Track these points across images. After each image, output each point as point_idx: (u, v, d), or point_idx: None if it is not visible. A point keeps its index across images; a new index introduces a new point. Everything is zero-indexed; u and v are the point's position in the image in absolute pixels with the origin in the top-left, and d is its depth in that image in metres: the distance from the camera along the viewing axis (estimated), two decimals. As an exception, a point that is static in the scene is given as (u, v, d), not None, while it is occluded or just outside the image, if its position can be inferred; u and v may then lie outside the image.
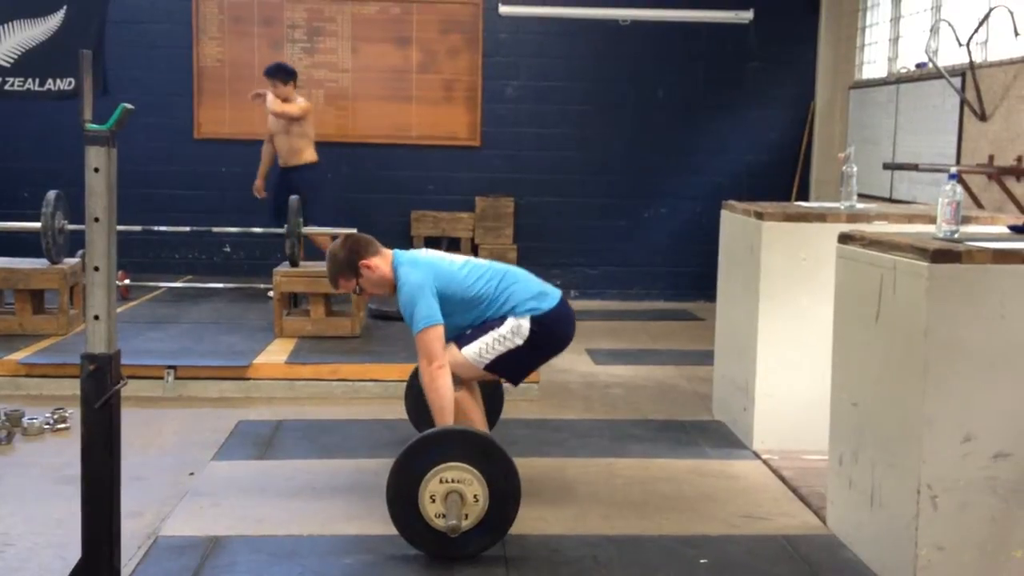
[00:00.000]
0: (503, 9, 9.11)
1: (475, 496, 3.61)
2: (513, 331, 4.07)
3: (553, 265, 9.35)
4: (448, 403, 3.93)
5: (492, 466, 3.63)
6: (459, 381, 4.07)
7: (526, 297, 4.13)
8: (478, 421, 4.14)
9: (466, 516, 3.60)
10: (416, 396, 4.56)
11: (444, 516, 3.58)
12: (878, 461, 3.56)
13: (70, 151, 7.48)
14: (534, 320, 4.08)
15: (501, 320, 4.10)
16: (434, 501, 3.60)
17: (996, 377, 3.27)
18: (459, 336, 4.11)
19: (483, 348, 4.07)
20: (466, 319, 4.11)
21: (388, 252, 4.22)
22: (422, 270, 4.09)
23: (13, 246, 7.60)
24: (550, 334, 4.14)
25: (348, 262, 4.16)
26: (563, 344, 4.26)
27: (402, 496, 3.62)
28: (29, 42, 9.00)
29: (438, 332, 3.98)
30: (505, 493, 3.65)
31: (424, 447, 3.66)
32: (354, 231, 4.41)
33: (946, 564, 3.32)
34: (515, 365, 4.15)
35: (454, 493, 3.60)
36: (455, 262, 4.22)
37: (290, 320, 6.64)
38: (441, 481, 3.60)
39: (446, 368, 3.95)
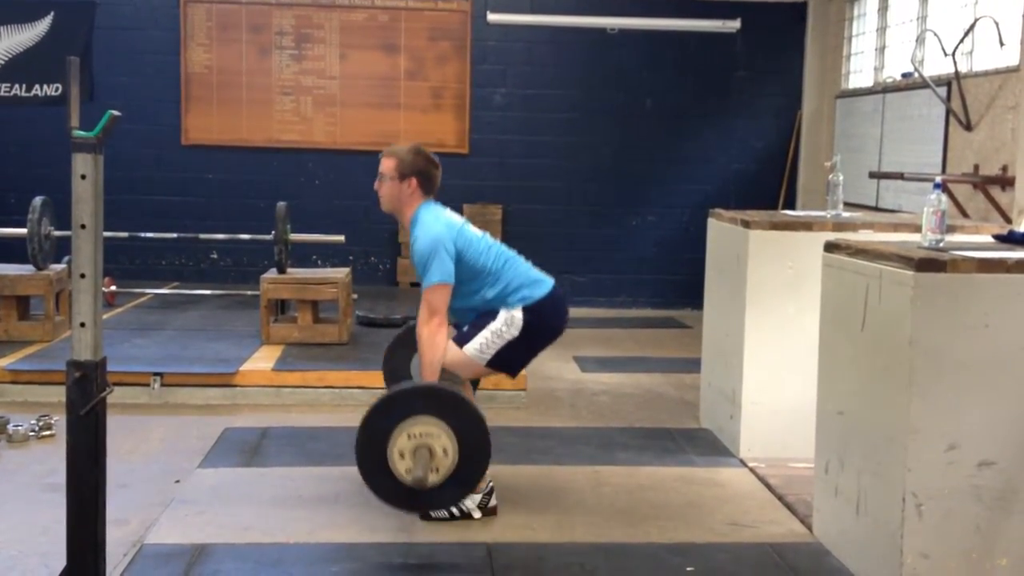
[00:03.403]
0: (491, 17, 9.12)
1: (444, 450, 3.62)
2: (507, 323, 4.07)
3: (541, 273, 9.35)
4: (439, 360, 3.95)
5: (459, 419, 3.65)
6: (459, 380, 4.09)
7: (520, 283, 4.12)
8: None
9: (436, 470, 3.60)
10: (394, 366, 4.54)
11: (415, 472, 3.60)
12: (864, 469, 3.58)
13: (57, 157, 7.45)
14: (526, 310, 4.08)
15: (493, 314, 4.09)
16: (403, 457, 3.60)
17: (981, 386, 3.29)
18: (457, 336, 4.11)
19: (483, 344, 4.07)
20: (465, 288, 4.08)
21: (428, 198, 4.19)
22: (446, 226, 4.08)
23: (-1, 252, 7.57)
24: (543, 323, 4.15)
25: (410, 166, 4.13)
26: (557, 332, 4.26)
27: (371, 455, 3.62)
28: (16, 48, 9.00)
29: (447, 291, 3.99)
30: (474, 445, 3.65)
31: (390, 404, 3.68)
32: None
33: (931, 572, 3.33)
34: (513, 357, 4.16)
35: (423, 448, 3.60)
36: (476, 231, 4.22)
37: (277, 327, 6.62)
38: (409, 437, 3.61)
39: (445, 327, 3.97)
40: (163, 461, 4.76)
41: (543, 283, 4.19)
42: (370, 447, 3.66)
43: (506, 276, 4.13)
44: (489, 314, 4.11)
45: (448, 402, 3.71)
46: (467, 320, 4.19)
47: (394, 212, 4.24)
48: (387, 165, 4.19)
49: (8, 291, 6.46)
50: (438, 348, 3.95)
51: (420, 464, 3.58)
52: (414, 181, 4.14)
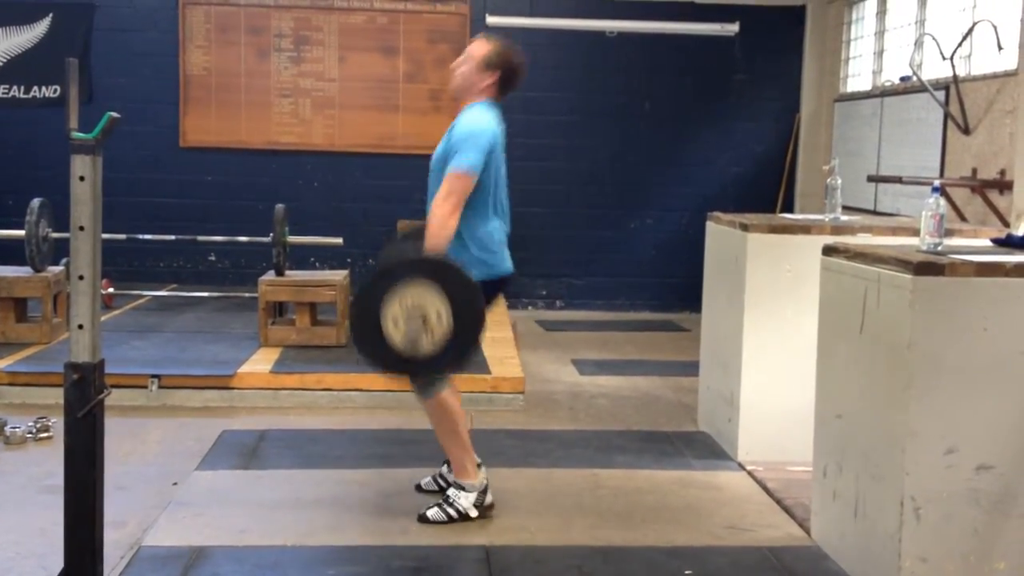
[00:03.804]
0: (491, 20, 9.12)
1: (438, 314, 3.59)
2: None
3: (539, 275, 9.36)
4: (444, 242, 3.83)
5: (451, 283, 3.61)
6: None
7: (496, 245, 4.02)
8: (465, 428, 4.12)
9: (432, 334, 3.58)
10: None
11: (410, 339, 3.60)
12: (862, 473, 3.57)
13: (55, 159, 7.47)
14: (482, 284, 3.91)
15: None
16: (397, 325, 3.59)
17: (979, 390, 3.29)
18: None
19: None
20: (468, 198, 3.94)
21: (495, 99, 4.12)
22: (494, 128, 4.00)
23: (-3, 254, 7.57)
24: (490, 292, 3.98)
25: (499, 61, 4.07)
26: (501, 291, 4.18)
27: (366, 326, 3.61)
28: (14, 49, 8.99)
29: (470, 183, 3.89)
30: (467, 308, 3.62)
31: (381, 273, 3.66)
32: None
33: (929, 576, 3.34)
34: None
35: (416, 314, 3.59)
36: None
37: (275, 329, 6.62)
38: (401, 304, 3.59)
39: (459, 213, 3.87)
40: (161, 463, 4.75)
41: (508, 263, 4.09)
42: (364, 318, 3.62)
43: (496, 222, 4.04)
44: None
45: (438, 267, 3.68)
46: None
47: (459, 94, 4.12)
48: (479, 48, 4.11)
49: (6, 293, 6.46)
50: (448, 229, 3.84)
51: (414, 329, 3.56)
52: (496, 76, 4.08)
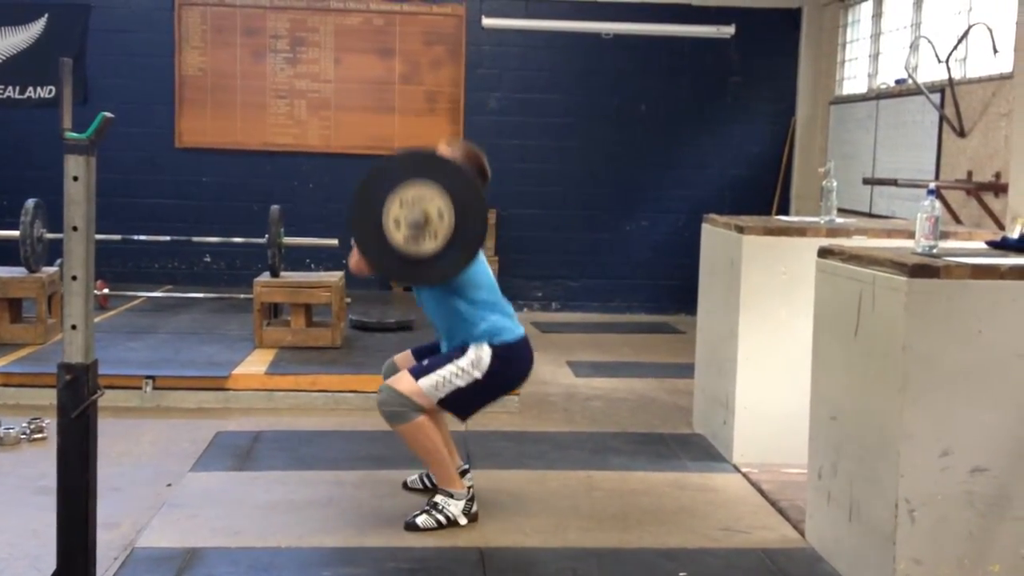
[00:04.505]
0: (486, 21, 9.13)
1: (439, 212, 3.55)
2: (473, 363, 3.90)
3: (535, 277, 9.36)
4: None
5: (448, 178, 3.57)
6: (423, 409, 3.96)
7: (504, 324, 3.98)
8: (442, 443, 4.06)
9: (435, 235, 3.56)
10: None
11: (413, 239, 3.57)
12: (856, 475, 3.57)
13: (50, 159, 7.44)
14: (495, 348, 3.91)
15: (462, 350, 3.93)
16: (399, 226, 3.55)
17: (974, 392, 3.29)
18: (415, 367, 3.96)
19: (440, 381, 3.88)
20: (467, 294, 3.90)
21: None
22: None
23: (-9, 254, 7.55)
24: (509, 369, 3.99)
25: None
26: (521, 378, 4.14)
27: (367, 230, 3.57)
28: (10, 49, 8.98)
29: None
30: (468, 203, 3.58)
31: (377, 175, 3.61)
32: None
33: (924, 578, 3.33)
34: (469, 400, 3.99)
35: (418, 213, 3.55)
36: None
37: (270, 330, 6.61)
38: (401, 204, 3.55)
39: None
40: (155, 464, 4.74)
41: (518, 328, 4.06)
42: (365, 221, 3.58)
43: (498, 310, 3.99)
44: (457, 350, 3.94)
45: (435, 164, 3.65)
46: (447, 341, 4.04)
47: None
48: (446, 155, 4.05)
49: (1, 294, 6.45)
50: None
51: (413, 219, 3.53)
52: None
